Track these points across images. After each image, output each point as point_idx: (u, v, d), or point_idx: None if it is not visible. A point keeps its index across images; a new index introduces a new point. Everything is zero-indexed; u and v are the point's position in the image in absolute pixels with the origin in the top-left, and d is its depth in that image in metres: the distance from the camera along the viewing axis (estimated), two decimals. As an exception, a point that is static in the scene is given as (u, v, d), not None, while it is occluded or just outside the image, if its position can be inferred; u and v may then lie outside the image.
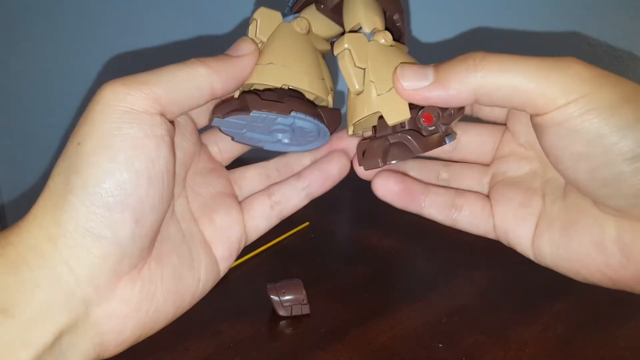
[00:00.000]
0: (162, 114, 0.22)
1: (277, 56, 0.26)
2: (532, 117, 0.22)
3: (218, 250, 0.27)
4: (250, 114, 0.25)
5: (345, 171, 0.29)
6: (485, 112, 0.29)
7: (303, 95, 0.27)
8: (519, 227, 0.27)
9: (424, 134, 0.25)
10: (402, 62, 0.25)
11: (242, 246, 0.28)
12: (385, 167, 0.28)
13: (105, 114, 0.21)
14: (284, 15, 0.28)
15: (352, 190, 0.74)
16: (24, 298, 0.20)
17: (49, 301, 0.20)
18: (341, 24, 0.29)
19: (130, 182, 0.21)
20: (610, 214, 0.23)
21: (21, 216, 0.22)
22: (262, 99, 0.25)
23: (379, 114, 0.26)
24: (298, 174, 0.30)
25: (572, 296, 0.44)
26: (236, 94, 0.26)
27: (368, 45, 0.26)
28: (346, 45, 0.26)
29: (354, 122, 0.26)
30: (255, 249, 0.52)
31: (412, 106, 0.25)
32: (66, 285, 0.21)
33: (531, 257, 0.27)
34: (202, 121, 0.28)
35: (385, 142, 0.25)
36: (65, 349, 0.21)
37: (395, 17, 0.28)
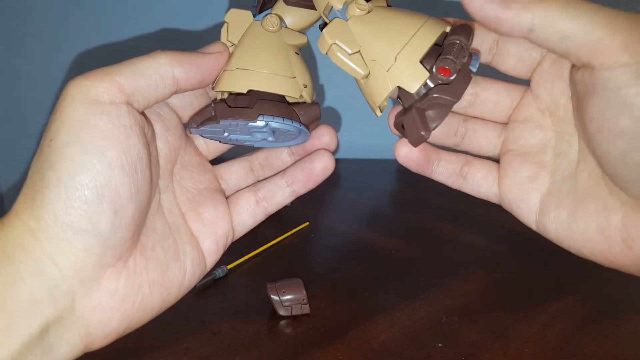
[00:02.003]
0: (129, 104, 0.23)
1: (243, 60, 0.26)
2: (583, 71, 0.21)
3: (205, 244, 0.27)
4: (219, 122, 0.25)
5: (329, 170, 0.29)
6: (509, 66, 0.27)
7: (280, 97, 0.27)
8: (524, 200, 0.27)
9: (450, 82, 0.24)
10: None
11: (229, 241, 0.29)
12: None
13: (72, 108, 0.21)
14: (254, 15, 0.28)
15: (352, 190, 0.74)
16: (7, 291, 0.20)
17: (34, 294, 0.21)
18: (314, 8, 0.28)
19: (104, 173, 0.21)
20: (619, 201, 0.23)
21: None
22: (230, 107, 0.26)
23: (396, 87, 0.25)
24: (283, 172, 0.30)
25: (571, 296, 0.44)
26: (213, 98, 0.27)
27: (349, 25, 0.25)
28: (329, 41, 0.25)
29: (378, 104, 0.26)
30: (255, 249, 0.52)
31: (424, 62, 0.24)
32: (50, 278, 0.21)
33: (533, 228, 0.27)
34: (188, 114, 0.28)
35: (419, 111, 0.24)
36: (53, 340, 0.21)
37: None
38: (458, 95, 0.24)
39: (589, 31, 0.19)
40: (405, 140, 0.27)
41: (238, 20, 0.27)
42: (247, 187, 0.30)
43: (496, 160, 0.29)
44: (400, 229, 0.57)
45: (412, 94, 0.25)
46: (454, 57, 0.23)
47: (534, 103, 0.27)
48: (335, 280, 0.48)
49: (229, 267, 0.49)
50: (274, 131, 0.27)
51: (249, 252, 0.52)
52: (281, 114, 0.26)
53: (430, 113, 0.24)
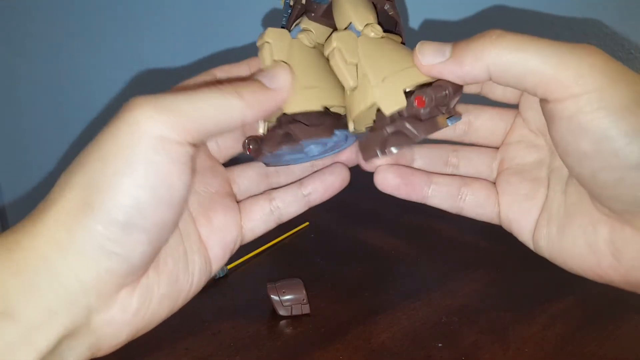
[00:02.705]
0: (192, 144, 0.22)
1: (308, 79, 0.26)
2: (543, 103, 0.22)
3: (212, 251, 0.27)
4: (301, 142, 0.26)
5: (345, 183, 0.30)
6: (498, 94, 0.28)
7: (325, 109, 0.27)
8: (523, 218, 0.27)
9: (422, 118, 0.25)
10: (420, 42, 0.25)
11: (236, 247, 0.28)
12: (389, 157, 0.28)
13: (135, 139, 0.21)
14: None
15: (352, 190, 0.74)
16: (27, 302, 0.20)
17: (53, 306, 0.20)
18: (335, 27, 0.29)
19: (150, 207, 0.21)
20: (605, 215, 0.23)
21: (22, 215, 0.22)
22: (308, 126, 0.26)
23: (376, 107, 0.25)
24: (300, 183, 0.30)
25: (571, 296, 0.44)
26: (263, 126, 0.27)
27: (358, 40, 0.26)
28: (335, 44, 0.26)
29: (352, 117, 0.26)
30: (255, 249, 0.52)
31: (408, 94, 0.25)
32: (70, 292, 0.21)
33: (531, 247, 0.27)
34: None
35: (384, 132, 0.25)
36: (64, 352, 0.21)
37: (386, 7, 0.28)
38: (423, 134, 0.25)
39: (541, 72, 0.21)
40: (381, 167, 0.28)
41: (279, 39, 0.27)
42: (262, 194, 0.30)
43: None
44: (400, 229, 0.57)
45: (385, 117, 0.25)
46: (433, 94, 0.24)
47: (525, 125, 0.28)
48: (335, 280, 0.48)
49: (229, 267, 0.49)
50: (328, 143, 0.27)
51: (249, 252, 0.52)
52: (344, 126, 0.27)
53: (392, 139, 0.25)
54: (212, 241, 0.27)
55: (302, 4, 0.28)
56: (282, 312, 0.42)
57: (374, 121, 0.27)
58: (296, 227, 0.57)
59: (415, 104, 0.24)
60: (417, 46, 0.24)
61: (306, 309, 0.42)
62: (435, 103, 0.24)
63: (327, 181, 0.29)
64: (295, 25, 0.29)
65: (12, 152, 0.91)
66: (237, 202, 0.29)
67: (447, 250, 0.52)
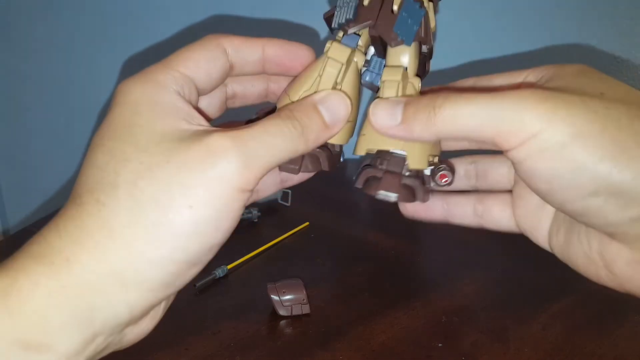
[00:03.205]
0: (251, 191, 0.22)
1: (353, 113, 0.27)
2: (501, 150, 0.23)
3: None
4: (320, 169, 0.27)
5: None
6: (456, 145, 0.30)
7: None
8: (537, 228, 0.27)
9: (429, 186, 0.27)
10: (377, 99, 0.25)
11: None
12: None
13: (222, 189, 0.21)
14: (337, 27, 0.27)
15: (352, 191, 0.74)
16: (70, 335, 0.20)
17: (96, 335, 0.20)
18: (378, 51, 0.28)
19: (219, 245, 0.22)
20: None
21: (23, 214, 0.22)
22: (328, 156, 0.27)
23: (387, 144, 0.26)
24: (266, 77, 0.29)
25: (571, 296, 0.44)
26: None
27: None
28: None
29: (378, 148, 0.26)
30: (255, 249, 0.52)
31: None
32: (119, 322, 0.21)
33: (549, 250, 0.28)
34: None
35: (399, 180, 0.26)
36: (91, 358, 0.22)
37: (424, 50, 0.28)
38: (423, 200, 0.27)
39: (482, 133, 0.22)
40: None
41: (348, 62, 0.26)
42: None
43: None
44: (400, 229, 0.57)
45: (399, 164, 0.26)
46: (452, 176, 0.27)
47: None
48: (335, 280, 0.48)
49: (229, 267, 0.49)
50: None
51: (249, 252, 0.52)
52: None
53: (403, 191, 0.26)
54: None
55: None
56: (282, 312, 0.42)
57: (379, 152, 0.27)
58: (296, 227, 0.57)
59: (439, 178, 0.26)
60: (371, 106, 0.25)
61: (306, 309, 0.42)
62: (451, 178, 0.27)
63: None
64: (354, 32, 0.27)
65: (13, 152, 0.91)
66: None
67: (447, 250, 0.52)
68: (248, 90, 0.29)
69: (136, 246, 0.20)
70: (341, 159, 0.29)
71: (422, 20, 0.26)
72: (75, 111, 0.89)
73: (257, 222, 0.60)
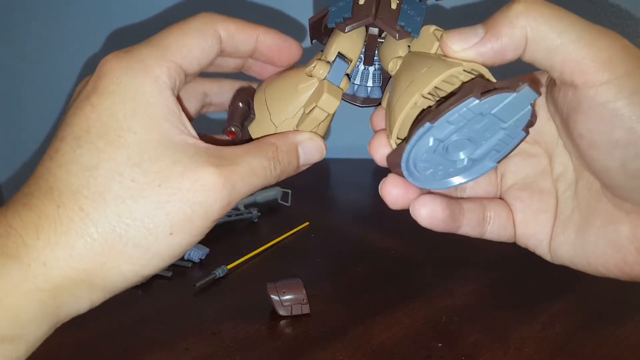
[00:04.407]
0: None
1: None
2: (569, 89, 0.21)
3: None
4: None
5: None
6: None
7: None
8: (539, 231, 0.26)
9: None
10: (445, 32, 0.23)
11: None
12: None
13: (209, 225, 0.23)
14: (333, 26, 0.26)
15: (352, 191, 0.74)
16: (41, 324, 0.21)
17: (59, 323, 0.22)
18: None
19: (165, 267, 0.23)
20: (625, 212, 0.23)
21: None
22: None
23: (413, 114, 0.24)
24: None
25: (571, 296, 0.44)
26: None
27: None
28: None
29: (398, 125, 0.24)
30: (255, 249, 0.52)
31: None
32: (80, 313, 0.22)
33: (547, 258, 0.27)
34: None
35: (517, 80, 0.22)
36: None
37: None
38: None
39: (573, 50, 0.20)
40: (424, 199, 0.25)
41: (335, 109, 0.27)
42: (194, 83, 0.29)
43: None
44: (400, 229, 0.57)
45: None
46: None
47: None
48: (335, 280, 0.48)
49: (229, 267, 0.49)
50: None
51: (249, 252, 0.52)
52: None
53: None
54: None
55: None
56: (282, 312, 0.42)
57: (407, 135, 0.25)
58: (296, 227, 0.57)
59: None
60: (444, 36, 0.23)
61: (306, 309, 0.42)
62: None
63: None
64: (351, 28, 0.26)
65: (13, 152, 0.91)
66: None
67: (447, 250, 0.52)
68: (223, 67, 0.28)
69: (112, 259, 0.21)
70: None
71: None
72: None
73: (257, 222, 0.60)
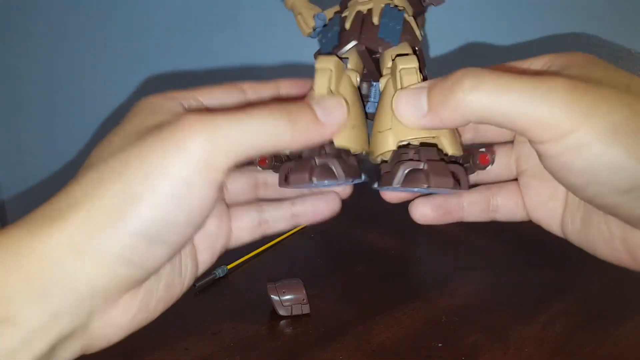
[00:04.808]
0: (230, 168, 0.22)
1: (354, 117, 0.26)
2: (529, 141, 0.22)
3: (202, 256, 0.27)
4: (338, 180, 0.26)
5: (334, 213, 0.31)
6: (493, 135, 0.29)
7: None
8: (549, 216, 0.27)
9: (472, 171, 0.26)
10: (397, 90, 0.24)
11: (222, 252, 0.29)
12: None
13: (182, 160, 0.21)
14: (321, 41, 0.28)
15: (352, 190, 0.74)
16: (33, 308, 0.20)
17: (58, 311, 0.20)
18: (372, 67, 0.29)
19: (179, 225, 0.22)
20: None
21: (22, 213, 0.22)
22: (347, 165, 0.26)
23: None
24: (292, 202, 0.30)
25: (571, 296, 0.44)
26: None
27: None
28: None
29: (409, 139, 0.25)
30: (255, 249, 0.52)
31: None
32: (79, 297, 0.21)
33: (563, 237, 0.27)
34: None
35: (447, 168, 0.25)
36: (58, 351, 0.21)
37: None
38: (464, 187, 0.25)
39: (517, 121, 0.21)
40: (417, 202, 0.28)
41: (338, 69, 0.26)
42: (252, 204, 0.29)
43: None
44: (400, 229, 0.57)
45: (433, 153, 0.25)
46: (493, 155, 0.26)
47: None
48: (335, 280, 0.48)
49: (229, 267, 0.49)
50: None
51: (249, 252, 0.52)
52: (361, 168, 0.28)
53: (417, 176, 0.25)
54: (202, 246, 0.27)
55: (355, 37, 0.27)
56: (282, 312, 0.42)
57: (394, 154, 0.26)
58: (296, 227, 0.57)
59: (478, 160, 0.25)
60: (394, 99, 0.24)
61: (306, 309, 0.42)
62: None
63: (319, 207, 0.30)
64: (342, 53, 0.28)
65: (13, 151, 0.91)
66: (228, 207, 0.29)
67: (447, 250, 0.52)
68: None
69: (91, 214, 0.20)
70: (362, 177, 0.27)
71: (404, 21, 0.27)
72: (75, 111, 0.89)
73: (257, 222, 0.60)
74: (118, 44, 0.84)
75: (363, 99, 0.29)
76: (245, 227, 0.29)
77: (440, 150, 0.25)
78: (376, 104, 0.30)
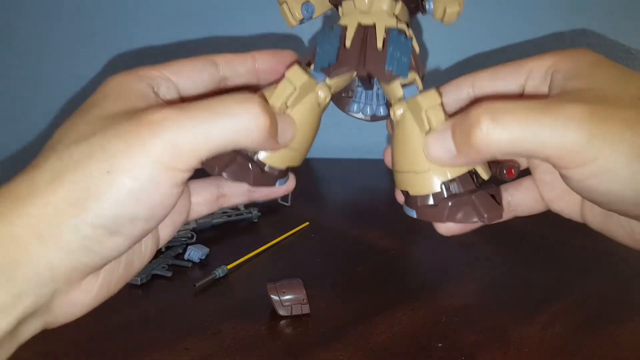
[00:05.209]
0: (194, 168, 0.23)
1: (298, 142, 0.27)
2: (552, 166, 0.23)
3: (163, 232, 0.28)
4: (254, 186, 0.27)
5: (288, 192, 0.30)
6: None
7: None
8: (568, 208, 0.28)
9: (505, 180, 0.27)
10: (427, 139, 0.25)
11: (182, 226, 0.29)
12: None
13: (145, 159, 0.21)
14: (318, 71, 0.27)
15: (352, 191, 0.74)
16: None
17: (20, 292, 0.21)
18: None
19: (140, 220, 0.22)
20: None
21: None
22: (262, 174, 0.27)
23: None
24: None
25: (571, 296, 0.44)
26: None
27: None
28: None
29: (451, 176, 0.26)
30: (255, 249, 0.52)
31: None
32: (41, 279, 0.21)
33: (584, 222, 0.28)
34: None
35: (488, 196, 0.26)
36: (20, 328, 0.22)
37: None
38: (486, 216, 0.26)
39: (540, 153, 0.21)
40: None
41: (304, 89, 0.26)
42: (210, 179, 0.30)
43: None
44: (400, 229, 0.57)
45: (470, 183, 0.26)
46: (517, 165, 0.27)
47: None
48: (335, 280, 0.48)
49: (229, 267, 0.49)
50: None
51: (249, 252, 0.52)
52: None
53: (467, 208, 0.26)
54: (164, 224, 0.27)
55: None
56: (282, 312, 0.42)
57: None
58: (296, 227, 0.57)
59: (506, 174, 0.26)
60: (425, 148, 0.25)
61: (306, 309, 0.42)
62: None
63: (271, 189, 0.30)
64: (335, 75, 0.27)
65: (12, 152, 0.91)
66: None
67: (447, 250, 0.52)
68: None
69: (54, 202, 0.21)
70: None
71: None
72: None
73: (257, 222, 0.60)
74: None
75: (343, 95, 0.30)
76: (204, 202, 0.29)
77: (476, 174, 0.26)
78: (361, 105, 0.30)
